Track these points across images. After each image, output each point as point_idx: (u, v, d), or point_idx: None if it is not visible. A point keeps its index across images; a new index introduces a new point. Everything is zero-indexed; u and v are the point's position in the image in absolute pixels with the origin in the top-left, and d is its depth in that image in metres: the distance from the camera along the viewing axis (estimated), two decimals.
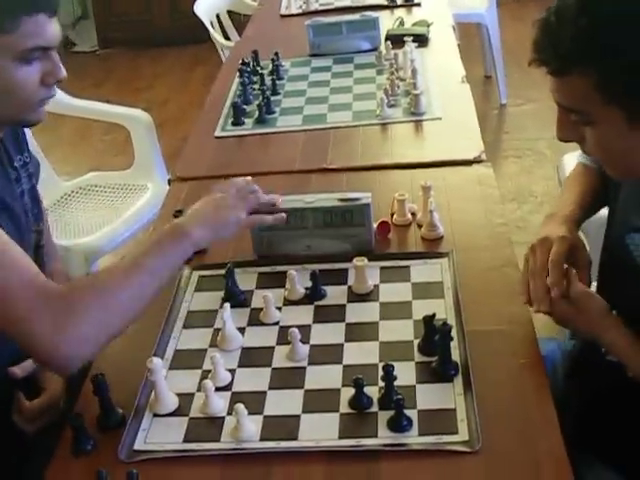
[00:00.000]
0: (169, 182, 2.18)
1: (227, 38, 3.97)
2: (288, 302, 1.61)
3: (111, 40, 6.07)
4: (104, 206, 2.98)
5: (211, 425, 1.34)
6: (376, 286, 1.63)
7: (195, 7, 3.70)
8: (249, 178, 1.67)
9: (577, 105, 1.25)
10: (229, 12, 4.14)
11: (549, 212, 1.61)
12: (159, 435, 1.33)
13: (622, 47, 1.18)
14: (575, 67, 1.22)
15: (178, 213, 1.82)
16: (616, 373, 1.38)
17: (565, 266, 1.43)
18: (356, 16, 2.87)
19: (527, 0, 6.24)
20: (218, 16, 4.01)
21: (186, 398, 1.40)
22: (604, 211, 1.62)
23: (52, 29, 1.43)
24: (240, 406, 1.29)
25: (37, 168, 1.76)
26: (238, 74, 2.64)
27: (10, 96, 1.44)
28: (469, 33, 4.92)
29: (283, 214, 1.64)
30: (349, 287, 1.63)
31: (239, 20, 4.30)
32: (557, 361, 1.66)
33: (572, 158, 2.82)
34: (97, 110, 3.10)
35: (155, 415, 1.37)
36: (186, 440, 1.32)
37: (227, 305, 1.51)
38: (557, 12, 1.24)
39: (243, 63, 2.65)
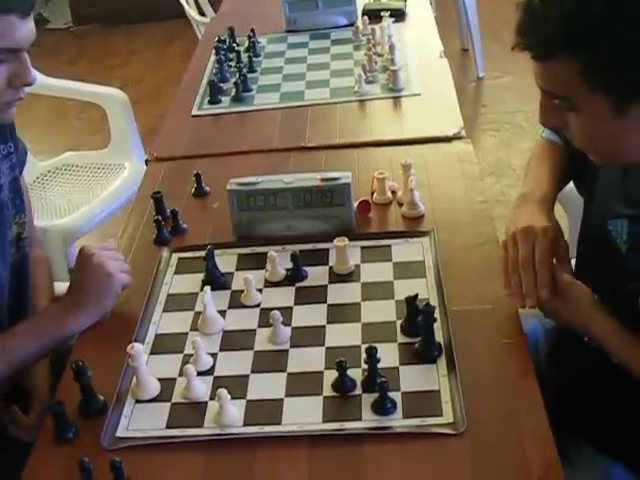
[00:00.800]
0: (146, 162, 2.15)
1: (202, 14, 3.93)
2: (269, 284, 1.60)
3: (85, 17, 5.99)
4: (81, 186, 2.95)
5: (194, 410, 1.33)
6: (357, 266, 1.62)
7: None
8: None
9: (561, 90, 1.23)
10: None
11: (521, 192, 1.59)
12: (142, 421, 1.32)
13: (609, 30, 1.15)
14: (560, 52, 1.19)
15: (156, 194, 1.81)
16: (597, 353, 1.38)
17: None
18: None
19: None
20: None
21: (168, 383, 1.39)
22: None
23: (23, 30, 1.37)
24: (223, 391, 1.28)
25: (23, 157, 1.72)
26: (214, 51, 2.60)
27: None
28: (445, 6, 4.89)
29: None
30: (330, 267, 1.62)
31: None
32: (540, 339, 1.66)
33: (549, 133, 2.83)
34: (72, 89, 3.06)
35: (137, 401, 1.36)
36: (169, 426, 1.30)
37: (207, 288, 1.50)
38: None
39: (219, 40, 2.62)
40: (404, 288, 1.53)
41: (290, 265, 1.61)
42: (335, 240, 1.60)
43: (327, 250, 1.66)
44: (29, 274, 1.70)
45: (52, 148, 3.92)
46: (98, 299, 1.51)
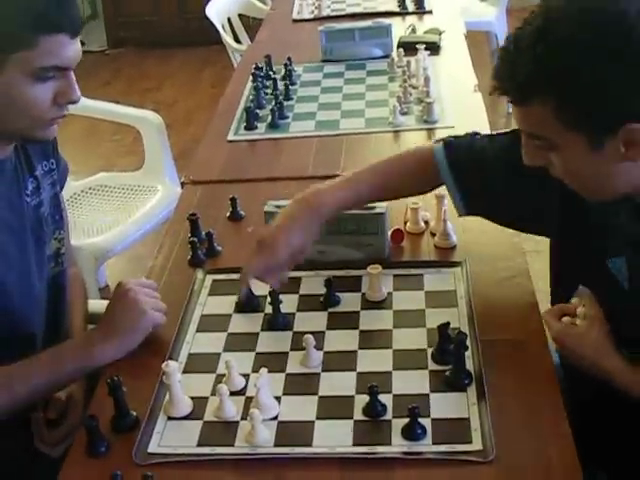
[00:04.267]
0: (182, 185, 2.18)
1: (238, 41, 3.99)
2: (302, 309, 1.62)
3: (120, 40, 6.09)
4: (114, 207, 2.99)
5: (225, 429, 1.35)
6: (389, 294, 1.63)
7: (207, 10, 3.72)
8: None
9: (539, 131, 1.27)
10: (240, 15, 4.14)
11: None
12: (173, 438, 1.34)
13: (577, 71, 1.19)
14: (533, 95, 1.23)
15: (192, 216, 1.84)
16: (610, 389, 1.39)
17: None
18: (369, 23, 2.89)
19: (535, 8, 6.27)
20: (229, 19, 4.02)
21: (200, 402, 1.40)
22: None
23: (72, 50, 1.41)
24: (255, 411, 1.30)
25: (65, 174, 1.76)
26: (251, 78, 2.64)
27: (21, 112, 1.42)
28: (477, 41, 4.91)
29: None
30: (363, 294, 1.64)
31: (249, 23, 4.32)
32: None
33: None
34: (109, 111, 3.12)
35: (169, 418, 1.38)
36: (200, 444, 1.32)
37: (264, 371, 1.38)
38: (515, 40, 1.25)
39: (256, 67, 2.66)
40: (435, 317, 1.54)
41: (324, 290, 1.63)
42: (369, 267, 1.62)
43: (360, 277, 1.68)
44: (66, 290, 1.73)
45: (84, 168, 3.97)
46: (127, 334, 1.49)
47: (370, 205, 1.71)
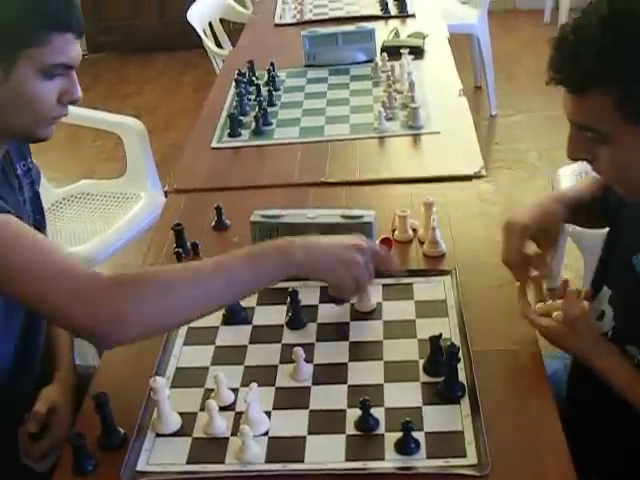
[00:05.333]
0: (165, 194, 2.15)
1: (219, 46, 3.96)
2: (290, 328, 1.59)
3: (100, 45, 6.02)
4: (96, 215, 2.95)
5: (215, 446, 1.32)
6: (379, 304, 1.61)
7: (188, 14, 3.69)
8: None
9: (595, 123, 1.25)
10: (221, 20, 4.11)
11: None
12: (162, 456, 1.31)
13: None
14: (596, 85, 1.22)
15: (177, 226, 1.82)
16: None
17: (566, 284, 1.46)
18: (352, 27, 2.87)
19: (517, 12, 6.28)
20: (210, 23, 3.99)
21: (189, 417, 1.38)
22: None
23: (77, 49, 1.46)
24: (246, 427, 1.27)
25: (38, 174, 1.76)
26: (234, 84, 2.61)
27: (27, 109, 1.44)
28: (458, 43, 4.90)
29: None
30: (352, 305, 1.61)
31: (229, 28, 4.29)
32: (561, 380, 1.65)
33: (568, 171, 2.84)
34: (90, 117, 3.07)
35: (158, 435, 1.35)
36: (190, 461, 1.30)
37: (254, 385, 1.35)
38: (576, 30, 1.24)
39: (239, 73, 2.63)
40: (426, 327, 1.53)
41: (310, 302, 1.61)
42: None
43: None
44: None
45: (65, 175, 3.93)
46: (323, 265, 1.44)
47: (358, 214, 1.69)
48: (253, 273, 1.39)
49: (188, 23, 3.71)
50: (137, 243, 2.87)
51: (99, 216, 2.95)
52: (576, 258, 3.09)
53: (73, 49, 1.44)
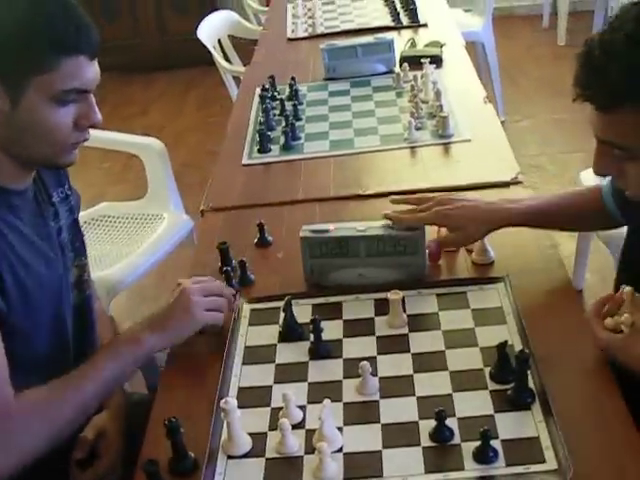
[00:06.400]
0: (202, 213, 2.13)
1: (228, 62, 3.96)
2: (349, 335, 1.58)
3: (101, 66, 6.00)
4: (120, 237, 2.94)
5: (290, 465, 1.31)
6: (435, 314, 1.61)
7: (198, 32, 3.69)
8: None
9: (622, 140, 1.25)
10: (230, 36, 4.12)
11: None
12: (237, 478, 1.30)
13: None
14: (625, 102, 1.21)
15: (223, 245, 1.80)
16: None
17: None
18: (370, 39, 2.87)
19: (515, 17, 6.30)
20: (219, 40, 3.99)
21: (258, 438, 1.36)
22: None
23: (91, 72, 1.41)
24: (323, 445, 1.26)
25: (78, 201, 1.73)
26: (259, 100, 2.61)
27: (43, 137, 1.41)
28: None
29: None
30: (408, 316, 1.60)
31: (235, 44, 4.29)
32: None
33: (588, 174, 2.84)
34: (108, 139, 3.05)
35: (229, 457, 1.34)
36: None
37: (327, 402, 1.34)
38: (603, 46, 1.23)
39: (263, 89, 2.63)
40: (486, 335, 1.52)
41: (366, 315, 1.61)
42: (389, 293, 1.58)
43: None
44: (93, 319, 1.69)
45: None
46: (174, 330, 1.54)
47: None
48: (118, 373, 1.50)
49: (189, 41, 3.71)
50: (162, 264, 2.87)
51: (122, 238, 2.94)
52: (600, 261, 3.10)
53: (87, 72, 1.39)
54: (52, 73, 1.35)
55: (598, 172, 1.34)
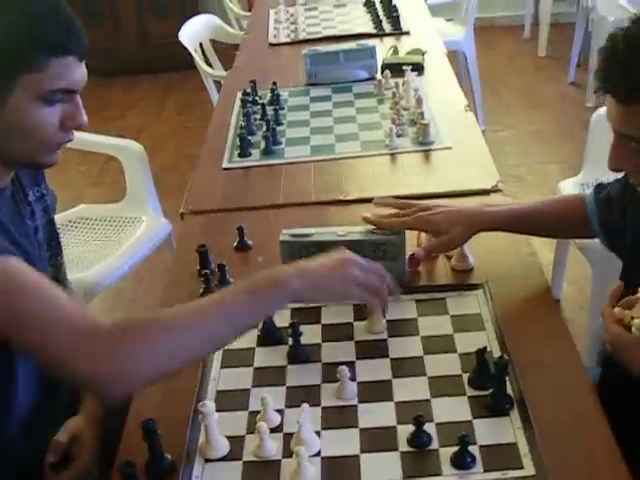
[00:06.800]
0: (181, 216, 2.12)
1: (209, 66, 3.95)
2: (328, 340, 1.58)
3: None
4: (98, 240, 2.91)
5: (268, 469, 1.30)
6: (414, 320, 1.61)
7: (179, 35, 3.68)
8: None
9: None
10: (211, 41, 4.11)
11: None
12: None
13: None
14: None
15: (202, 248, 1.80)
16: None
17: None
18: (353, 45, 2.87)
19: (496, 28, 6.34)
20: (201, 45, 3.98)
21: (236, 441, 1.36)
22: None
23: (79, 73, 1.40)
24: (301, 449, 1.26)
25: (54, 201, 1.72)
26: (240, 104, 2.61)
27: (28, 136, 1.40)
28: None
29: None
30: (388, 322, 1.60)
31: (217, 48, 4.28)
32: None
33: (568, 184, 2.86)
34: (87, 141, 3.01)
35: (207, 460, 1.33)
36: None
37: (305, 406, 1.34)
38: (627, 39, 1.24)
39: (245, 93, 2.62)
40: (465, 341, 1.53)
41: (345, 320, 1.60)
42: None
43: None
44: None
45: None
46: (324, 280, 1.39)
47: (386, 230, 1.68)
48: (253, 310, 1.36)
49: (170, 45, 3.70)
50: (139, 267, 2.86)
51: (100, 241, 2.92)
52: (578, 271, 3.12)
53: (75, 73, 1.39)
54: (41, 73, 1.35)
55: (613, 167, 1.35)
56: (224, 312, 1.33)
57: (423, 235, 1.79)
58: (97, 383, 1.27)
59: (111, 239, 2.90)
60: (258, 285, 1.36)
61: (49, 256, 1.63)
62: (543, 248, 3.37)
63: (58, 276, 1.65)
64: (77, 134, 2.19)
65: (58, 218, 2.99)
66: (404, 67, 2.66)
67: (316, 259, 1.44)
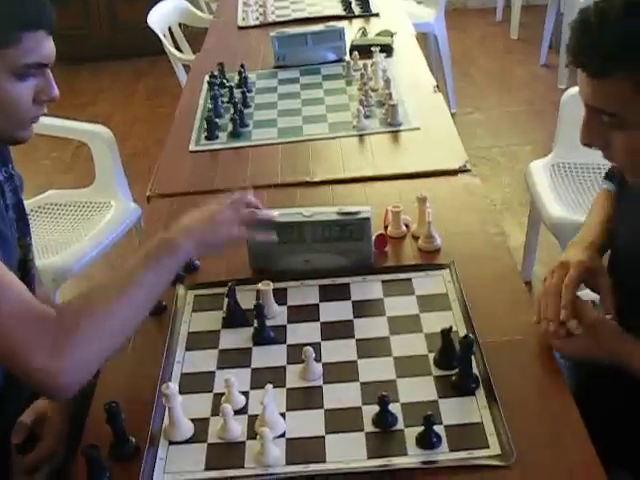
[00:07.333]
0: (148, 199, 2.10)
1: (179, 51, 3.91)
2: (293, 321, 1.58)
3: None
4: (67, 225, 2.88)
5: (232, 450, 1.29)
6: (380, 300, 1.60)
7: (148, 19, 3.64)
8: (249, 190, 1.63)
9: (612, 107, 1.26)
10: (181, 25, 4.08)
11: (574, 239, 1.60)
12: (178, 464, 1.28)
13: None
14: (618, 68, 1.22)
15: None
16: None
17: (579, 295, 1.45)
18: (320, 27, 2.85)
19: (468, 11, 6.33)
20: (169, 29, 3.94)
21: (201, 423, 1.35)
22: None
23: (50, 47, 1.41)
24: (266, 430, 1.25)
25: (22, 181, 1.70)
26: (208, 87, 2.59)
27: (3, 112, 1.40)
28: None
29: (274, 236, 1.61)
30: (353, 302, 1.60)
31: (186, 32, 4.25)
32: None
33: (539, 165, 2.86)
34: (56, 126, 2.99)
35: (171, 443, 1.32)
36: (208, 467, 1.27)
37: (269, 387, 1.33)
38: (599, 13, 1.23)
39: (212, 76, 2.60)
40: (431, 321, 1.52)
41: (311, 301, 1.60)
42: (260, 284, 1.60)
43: (348, 284, 1.65)
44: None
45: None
46: (207, 233, 1.47)
47: (354, 210, 1.67)
48: (161, 275, 1.39)
49: (139, 30, 3.66)
50: (109, 251, 2.83)
51: (69, 226, 2.88)
52: (550, 253, 3.12)
53: (46, 47, 1.40)
54: (14, 48, 1.35)
55: (584, 141, 1.34)
56: (140, 284, 1.35)
57: (390, 216, 1.78)
58: (45, 379, 1.25)
59: (80, 224, 2.87)
60: (156, 249, 1.40)
61: (18, 237, 1.61)
62: (514, 230, 3.39)
63: (27, 256, 1.63)
64: (47, 120, 2.17)
65: (27, 204, 2.96)
66: (373, 48, 2.64)
67: (194, 213, 1.51)
